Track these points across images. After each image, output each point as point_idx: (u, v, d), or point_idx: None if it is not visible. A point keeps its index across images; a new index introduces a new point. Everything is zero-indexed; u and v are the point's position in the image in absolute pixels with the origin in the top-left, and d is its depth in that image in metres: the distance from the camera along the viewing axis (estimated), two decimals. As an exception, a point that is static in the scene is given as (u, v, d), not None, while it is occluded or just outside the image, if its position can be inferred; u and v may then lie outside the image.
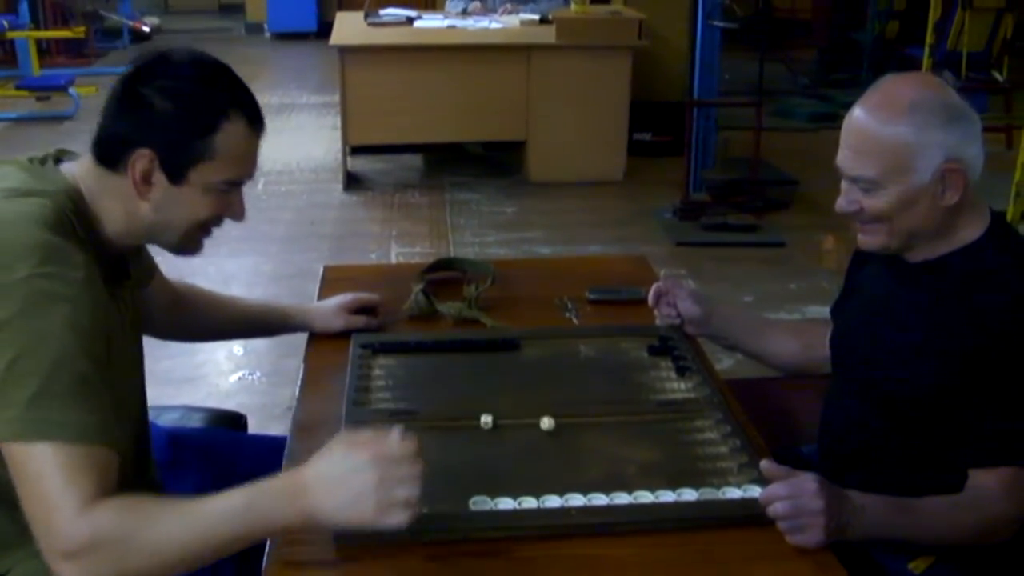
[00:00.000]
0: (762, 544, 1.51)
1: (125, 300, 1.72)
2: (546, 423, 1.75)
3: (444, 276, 2.42)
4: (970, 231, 1.74)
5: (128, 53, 10.92)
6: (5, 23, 9.00)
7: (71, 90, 8.13)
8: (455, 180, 6.70)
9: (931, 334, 1.71)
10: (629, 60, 6.47)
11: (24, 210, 1.51)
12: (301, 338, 2.17)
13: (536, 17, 7.04)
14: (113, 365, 1.55)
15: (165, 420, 2.15)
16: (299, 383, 1.98)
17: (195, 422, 2.24)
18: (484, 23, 6.93)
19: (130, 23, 11.37)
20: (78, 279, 1.47)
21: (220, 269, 5.01)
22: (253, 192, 6.23)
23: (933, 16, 5.64)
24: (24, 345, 1.39)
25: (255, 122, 1.64)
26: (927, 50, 5.83)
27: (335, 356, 2.03)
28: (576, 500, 1.57)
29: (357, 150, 6.81)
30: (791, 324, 3.43)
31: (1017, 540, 1.67)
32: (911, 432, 1.76)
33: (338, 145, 6.51)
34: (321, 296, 2.29)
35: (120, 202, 1.60)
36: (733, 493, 1.60)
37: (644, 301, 2.18)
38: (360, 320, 2.16)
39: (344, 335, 2.10)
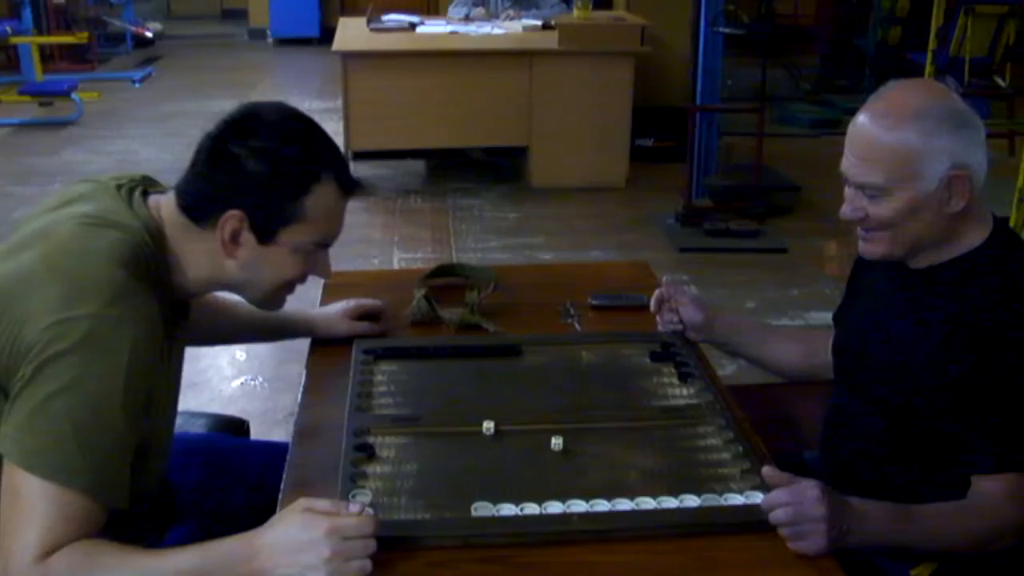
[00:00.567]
0: (764, 551, 1.50)
1: (180, 340, 1.72)
2: (556, 443, 1.73)
3: (446, 282, 2.42)
4: (973, 237, 1.73)
5: (131, 58, 10.95)
6: (8, 28, 9.02)
7: (74, 95, 8.14)
8: (457, 186, 6.70)
9: (933, 340, 1.71)
10: (631, 66, 6.47)
11: (103, 244, 1.50)
12: (303, 344, 2.17)
13: (538, 23, 7.04)
14: (153, 409, 1.55)
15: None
16: (301, 389, 1.98)
17: (197, 427, 2.24)
18: (486, 29, 6.94)
19: (133, 29, 11.39)
20: (138, 327, 1.46)
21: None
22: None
23: (936, 22, 5.62)
24: (68, 384, 1.40)
25: (345, 183, 1.63)
26: (930, 56, 5.82)
27: (337, 362, 2.03)
28: (578, 506, 1.57)
29: (359, 155, 6.81)
30: (793, 330, 3.43)
31: (1020, 548, 1.66)
32: (914, 438, 1.76)
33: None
34: (323, 302, 2.29)
35: (205, 255, 1.60)
36: (735, 499, 1.60)
37: (646, 307, 2.18)
38: (362, 326, 2.16)
39: (346, 341, 2.10)
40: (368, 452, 1.70)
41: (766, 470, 1.58)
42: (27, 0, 9.29)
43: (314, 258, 1.65)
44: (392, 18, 7.27)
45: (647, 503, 1.58)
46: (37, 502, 1.38)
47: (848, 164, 1.73)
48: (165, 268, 1.59)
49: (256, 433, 2.45)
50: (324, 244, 1.65)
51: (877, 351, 1.82)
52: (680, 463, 1.71)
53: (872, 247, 1.77)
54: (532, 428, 1.79)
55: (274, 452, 1.96)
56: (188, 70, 10.57)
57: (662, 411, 1.87)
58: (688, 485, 1.63)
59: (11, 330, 1.43)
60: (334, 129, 7.35)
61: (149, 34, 11.58)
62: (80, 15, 10.75)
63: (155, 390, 1.55)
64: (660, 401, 1.92)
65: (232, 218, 1.55)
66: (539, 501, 1.57)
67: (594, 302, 2.33)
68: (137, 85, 9.65)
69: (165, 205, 1.62)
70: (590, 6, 6.59)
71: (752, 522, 1.54)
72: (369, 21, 7.16)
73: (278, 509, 1.57)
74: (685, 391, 1.94)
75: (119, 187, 1.63)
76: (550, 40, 6.50)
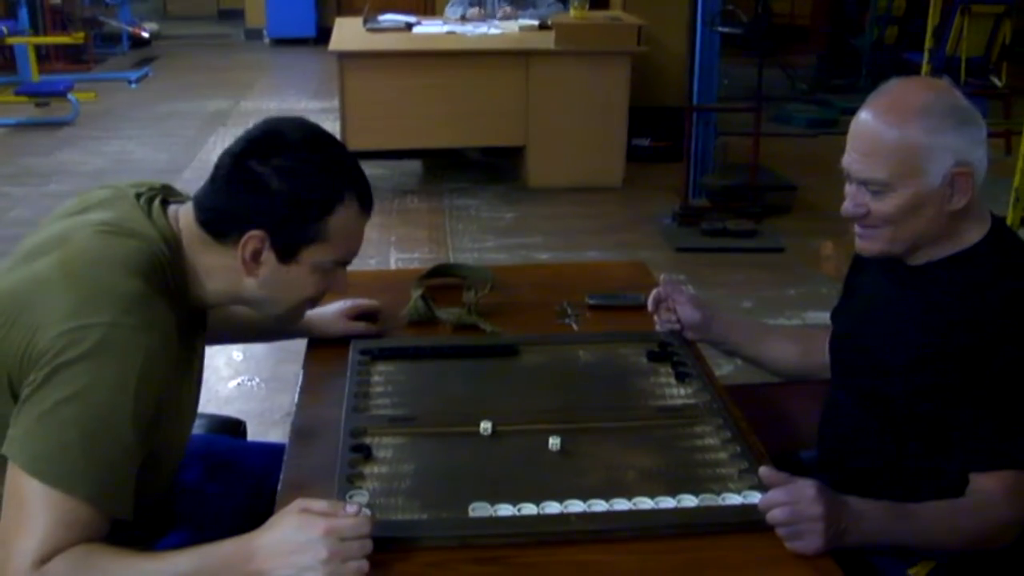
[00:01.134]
0: (761, 550, 1.50)
1: (198, 350, 1.72)
2: (553, 443, 1.73)
3: (443, 282, 2.41)
4: (971, 235, 1.74)
5: (127, 59, 10.94)
6: (4, 29, 9.01)
7: (70, 96, 8.13)
8: (454, 186, 6.70)
9: (930, 338, 1.71)
10: (628, 66, 6.47)
11: (120, 252, 1.50)
12: (300, 344, 2.17)
13: (535, 23, 7.04)
14: (167, 420, 1.54)
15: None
16: (298, 389, 1.98)
17: (194, 428, 2.23)
18: (483, 29, 6.94)
19: (129, 29, 11.39)
20: (152, 337, 1.45)
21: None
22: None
23: (932, 21, 5.64)
24: (78, 391, 1.39)
25: (366, 203, 1.63)
26: (926, 55, 5.84)
27: (334, 362, 2.03)
28: (576, 506, 1.57)
29: (356, 156, 6.79)
30: (790, 330, 3.44)
31: (1018, 545, 1.66)
32: (911, 437, 1.76)
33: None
34: (320, 302, 2.28)
35: (223, 271, 1.59)
36: (733, 499, 1.60)
37: (643, 307, 2.18)
38: (359, 326, 2.15)
39: (343, 341, 2.10)
40: (365, 453, 1.70)
41: (763, 470, 1.58)
42: (23, 0, 9.28)
43: (332, 275, 1.65)
44: (388, 18, 7.27)
45: (645, 503, 1.58)
46: (39, 507, 1.37)
47: (851, 160, 1.72)
48: (182, 279, 1.58)
49: (253, 434, 2.45)
50: (344, 263, 1.65)
51: (874, 349, 1.82)
52: (678, 463, 1.71)
53: (870, 244, 1.77)
54: (529, 428, 1.79)
55: (271, 453, 1.96)
56: (184, 70, 10.57)
57: (659, 411, 1.87)
58: (686, 485, 1.63)
59: (25, 335, 1.43)
60: (331, 129, 7.32)
61: (145, 34, 11.57)
62: (76, 15, 10.73)
63: (169, 401, 1.54)
64: (657, 401, 1.92)
65: (254, 238, 1.54)
66: (536, 501, 1.57)
67: (591, 302, 2.32)
68: (133, 86, 9.65)
69: (184, 216, 1.61)
70: (587, 6, 6.59)
71: (749, 522, 1.54)
72: (365, 21, 7.16)
73: (275, 510, 1.56)
74: (682, 391, 1.94)
75: (138, 196, 1.62)
76: (547, 40, 6.50)
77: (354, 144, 6.43)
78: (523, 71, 6.38)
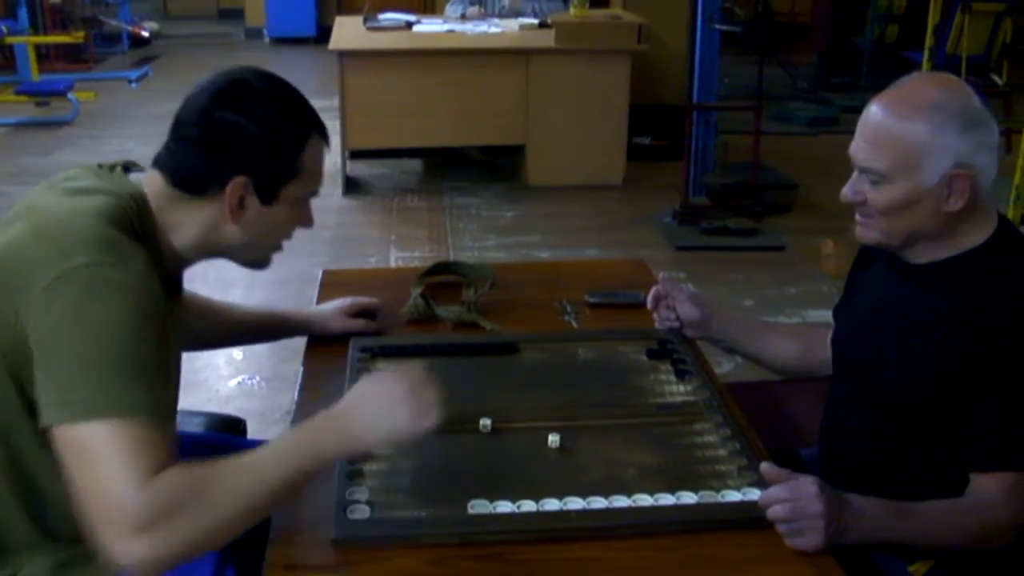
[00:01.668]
0: (761, 547, 1.50)
1: (174, 317, 1.72)
2: (553, 440, 1.74)
3: (443, 280, 2.41)
4: (975, 236, 1.73)
5: (127, 58, 10.94)
6: (4, 28, 9.01)
7: (70, 95, 8.14)
8: (454, 184, 6.70)
9: (932, 337, 1.71)
10: (628, 64, 6.48)
11: (87, 205, 1.53)
12: (300, 342, 2.17)
13: (535, 21, 7.04)
14: (169, 354, 1.56)
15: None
16: (298, 387, 1.98)
17: (194, 427, 2.24)
18: (483, 27, 6.94)
19: (129, 28, 11.39)
20: (138, 270, 1.48)
21: (220, 274, 4.98)
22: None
23: (933, 20, 5.64)
24: (88, 331, 1.41)
25: (326, 136, 1.70)
26: (926, 54, 5.84)
27: (334, 360, 2.03)
28: (575, 503, 1.57)
29: (356, 154, 6.81)
30: (791, 327, 3.44)
31: (1017, 545, 1.66)
32: (912, 435, 1.76)
33: (337, 149, 6.50)
34: (320, 300, 2.28)
35: (198, 223, 1.63)
36: (732, 496, 1.60)
37: (643, 305, 2.18)
38: (359, 323, 2.16)
39: (343, 339, 2.10)
40: (365, 450, 1.70)
41: (764, 466, 1.58)
42: (23, 0, 9.28)
43: (301, 210, 1.71)
44: (388, 17, 7.27)
45: (644, 500, 1.58)
46: (109, 446, 1.36)
47: (856, 147, 1.73)
48: (150, 231, 1.60)
49: (253, 432, 2.45)
50: (315, 194, 1.71)
51: (875, 347, 1.82)
52: (677, 460, 1.71)
53: (867, 232, 1.78)
54: (529, 425, 1.79)
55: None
56: (184, 70, 10.55)
57: (659, 408, 1.87)
58: (685, 482, 1.63)
59: (12, 302, 1.45)
60: (331, 128, 7.33)
61: (145, 34, 11.57)
62: (76, 15, 10.74)
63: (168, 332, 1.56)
64: (657, 398, 1.92)
65: (239, 185, 1.59)
66: (536, 498, 1.57)
67: (591, 300, 2.32)
68: (133, 85, 9.65)
69: (148, 180, 1.64)
70: (587, 4, 6.59)
71: (749, 519, 1.54)
72: (365, 20, 7.16)
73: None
74: (682, 388, 1.94)
75: (100, 165, 1.67)
76: (547, 38, 6.50)
77: (355, 143, 6.46)
78: (523, 69, 6.38)
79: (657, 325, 2.16)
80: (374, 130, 6.37)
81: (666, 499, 1.59)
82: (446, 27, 7.01)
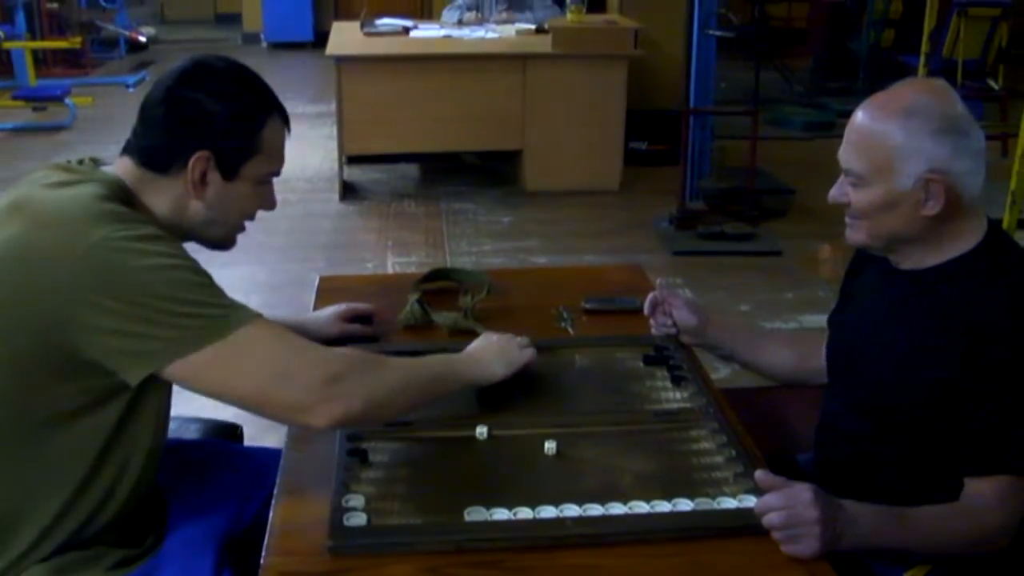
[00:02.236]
0: (757, 554, 1.50)
1: None
2: (549, 447, 1.74)
3: (440, 286, 2.41)
4: (964, 241, 1.74)
5: (125, 63, 10.94)
6: (1, 33, 9.00)
7: (67, 100, 8.13)
8: (451, 190, 6.70)
9: (925, 343, 1.71)
10: (625, 69, 6.48)
11: (79, 191, 1.58)
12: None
13: (532, 26, 7.05)
14: None
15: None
16: (294, 393, 1.97)
17: (191, 433, 2.24)
18: (480, 33, 6.94)
19: (126, 33, 11.37)
20: (151, 229, 1.56)
21: (216, 279, 5.00)
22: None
23: (929, 25, 5.64)
24: (157, 279, 1.49)
25: (285, 117, 1.79)
26: (922, 58, 5.84)
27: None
28: (571, 510, 1.57)
29: (353, 160, 6.81)
30: (787, 334, 3.44)
31: (1013, 549, 1.66)
32: (906, 441, 1.76)
33: (334, 155, 6.51)
34: (317, 306, 2.29)
35: (168, 201, 1.68)
36: (728, 503, 1.60)
37: (640, 311, 2.19)
38: (355, 329, 2.16)
39: (339, 344, 2.09)
40: (361, 457, 1.70)
41: (759, 474, 1.58)
42: (20, 5, 9.28)
43: (263, 191, 1.78)
44: (386, 22, 7.27)
45: (641, 507, 1.58)
46: (253, 347, 1.53)
47: (841, 148, 1.76)
48: (138, 211, 1.64)
49: (249, 438, 2.45)
50: (276, 174, 1.78)
51: (870, 354, 1.82)
52: (673, 467, 1.71)
53: (854, 234, 1.80)
54: (525, 432, 1.79)
55: (267, 457, 1.96)
56: (182, 74, 10.55)
57: (655, 415, 1.87)
58: (681, 489, 1.63)
59: (33, 294, 1.49)
60: (328, 133, 7.36)
61: (142, 39, 11.56)
62: (73, 20, 10.73)
63: None
64: (653, 405, 1.92)
65: (200, 159, 1.65)
66: (532, 505, 1.57)
67: (588, 306, 2.32)
68: (131, 90, 9.63)
69: (119, 167, 1.69)
70: (583, 9, 6.60)
71: (745, 525, 1.54)
72: (363, 25, 7.16)
73: (272, 516, 1.58)
74: (678, 394, 1.95)
75: (68, 162, 1.71)
76: (543, 44, 6.50)
77: (352, 148, 6.46)
78: (520, 75, 6.39)
79: (654, 331, 2.16)
80: (371, 135, 6.37)
81: (662, 506, 1.59)
82: (443, 32, 7.02)
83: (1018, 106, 7.42)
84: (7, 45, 9.09)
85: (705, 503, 1.60)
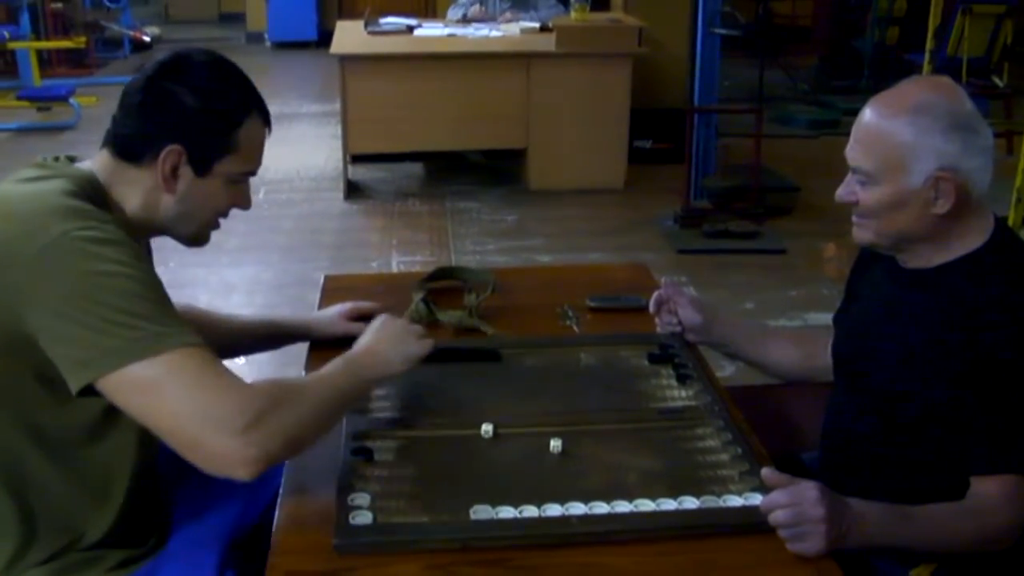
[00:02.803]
0: (763, 552, 1.50)
1: None
2: (555, 445, 1.74)
3: (444, 285, 2.42)
4: (971, 239, 1.73)
5: (129, 63, 10.95)
6: (6, 33, 9.01)
7: (72, 100, 8.14)
8: (455, 188, 6.71)
9: (931, 342, 1.71)
10: (629, 67, 6.47)
11: (47, 186, 1.57)
12: (302, 347, 2.17)
13: (536, 25, 7.04)
14: None
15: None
16: (299, 392, 1.97)
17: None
18: (484, 31, 6.94)
19: (131, 33, 11.39)
20: (113, 229, 1.53)
21: (221, 278, 5.01)
22: (254, 200, 6.21)
23: (933, 22, 5.63)
24: (97, 284, 1.45)
25: (267, 118, 1.75)
26: (927, 56, 5.84)
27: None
28: (577, 508, 1.57)
29: (358, 159, 6.81)
30: (792, 332, 3.43)
31: (1018, 548, 1.66)
32: (912, 440, 1.76)
33: (339, 154, 6.52)
34: (322, 305, 2.29)
35: (139, 193, 1.67)
36: (734, 501, 1.60)
37: (645, 309, 2.19)
38: (358, 327, 2.15)
39: (345, 343, 2.09)
40: (366, 455, 1.70)
41: (765, 471, 1.58)
42: (25, 5, 9.29)
43: (240, 189, 1.75)
44: (390, 21, 7.27)
45: (646, 505, 1.58)
46: (176, 376, 1.44)
47: (849, 146, 1.75)
48: (107, 205, 1.63)
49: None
50: (251, 174, 1.76)
51: (875, 352, 1.82)
52: (679, 465, 1.71)
53: (861, 233, 1.80)
54: (531, 430, 1.79)
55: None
56: (186, 74, 10.56)
57: (661, 413, 1.87)
58: (687, 487, 1.63)
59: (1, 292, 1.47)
60: (333, 132, 7.36)
61: (147, 38, 11.57)
62: (78, 20, 10.75)
63: None
64: (659, 403, 1.92)
65: (172, 152, 1.63)
66: (538, 504, 1.57)
67: (592, 304, 2.32)
68: (135, 89, 9.65)
69: (96, 160, 1.69)
70: (587, 8, 6.59)
71: (751, 524, 1.54)
72: (367, 24, 7.16)
73: (276, 515, 1.59)
74: (684, 393, 1.94)
75: (43, 159, 1.71)
76: (548, 42, 6.50)
77: (356, 147, 6.46)
78: (524, 73, 6.38)
79: (659, 329, 2.16)
80: (375, 134, 6.37)
81: (668, 504, 1.59)
82: (447, 31, 7.01)
83: (1023, 103, 7.43)
84: (12, 45, 9.10)
85: (711, 501, 1.60)
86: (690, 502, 1.59)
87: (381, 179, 6.88)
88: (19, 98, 8.37)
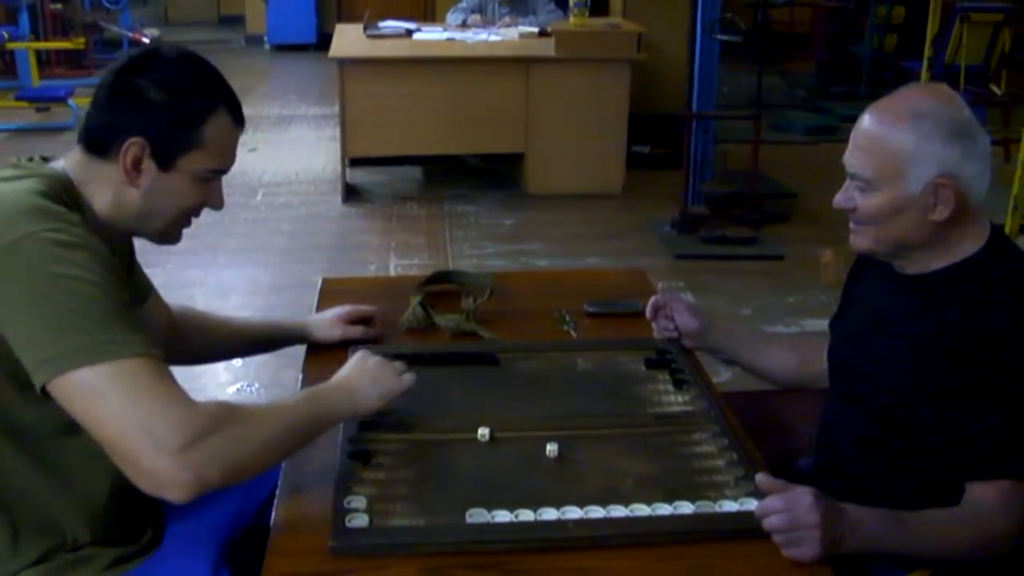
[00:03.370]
0: (758, 558, 1.50)
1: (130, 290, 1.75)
2: (551, 449, 1.74)
3: (442, 289, 2.42)
4: (968, 246, 1.74)
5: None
6: (5, 34, 9.01)
7: (71, 101, 8.13)
8: (454, 192, 6.71)
9: (926, 348, 1.71)
10: (628, 73, 6.48)
11: (18, 186, 1.57)
12: (299, 349, 2.17)
13: (535, 30, 7.05)
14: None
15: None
16: (296, 395, 1.98)
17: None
18: (483, 36, 6.94)
19: (130, 34, 11.37)
20: (80, 232, 1.52)
21: (219, 280, 5.02)
22: (251, 203, 6.25)
23: (931, 30, 5.65)
24: (57, 286, 1.44)
25: (237, 116, 1.72)
26: (925, 63, 5.85)
27: (333, 367, 2.01)
28: (573, 513, 1.57)
29: (356, 162, 6.82)
30: (789, 339, 3.44)
31: (1014, 554, 1.66)
32: (908, 445, 1.76)
33: (337, 157, 6.52)
34: (319, 308, 2.29)
35: (109, 188, 1.66)
36: (729, 506, 1.60)
37: (642, 314, 2.19)
38: (356, 330, 2.16)
39: (342, 346, 2.10)
40: (363, 458, 1.70)
41: (760, 477, 1.58)
42: (24, 6, 9.29)
43: (210, 187, 1.72)
44: (389, 25, 7.28)
45: (642, 510, 1.58)
46: (120, 385, 1.40)
47: (847, 153, 1.75)
48: (79, 207, 1.63)
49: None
50: (219, 172, 1.73)
51: (871, 358, 1.82)
52: (675, 470, 1.71)
53: (859, 240, 1.80)
54: (527, 435, 1.79)
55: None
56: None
57: (657, 418, 1.88)
58: (683, 492, 1.63)
59: None
60: (331, 135, 7.37)
61: (146, 40, 11.52)
62: (77, 21, 10.74)
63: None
64: (655, 408, 1.92)
65: (134, 145, 1.62)
66: (534, 508, 1.57)
67: (590, 309, 2.33)
68: (134, 91, 9.65)
69: (67, 158, 1.69)
70: (586, 13, 6.60)
71: (746, 529, 1.54)
72: (366, 28, 7.17)
73: (273, 517, 1.59)
74: (680, 398, 1.95)
75: (17, 159, 1.70)
76: (547, 47, 6.51)
77: (355, 151, 6.47)
78: (523, 78, 6.39)
79: (656, 335, 2.16)
80: (374, 138, 6.38)
81: (663, 509, 1.59)
82: (446, 35, 7.02)
83: (1021, 111, 7.44)
84: (11, 46, 9.10)
85: (706, 506, 1.60)
86: (685, 507, 1.59)
87: (379, 182, 6.88)
88: (18, 99, 8.37)
